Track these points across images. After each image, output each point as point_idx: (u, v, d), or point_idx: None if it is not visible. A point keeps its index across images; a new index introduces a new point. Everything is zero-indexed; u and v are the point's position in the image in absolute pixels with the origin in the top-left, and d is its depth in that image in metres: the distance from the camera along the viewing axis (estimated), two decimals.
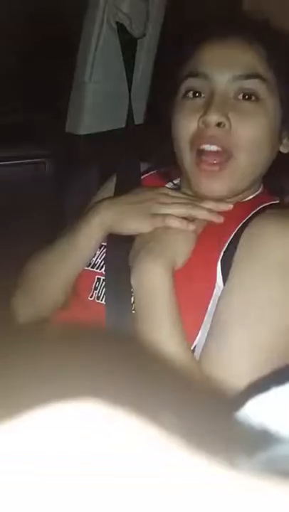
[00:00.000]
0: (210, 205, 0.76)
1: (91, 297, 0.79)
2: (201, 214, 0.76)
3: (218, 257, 0.73)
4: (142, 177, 0.91)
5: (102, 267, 0.80)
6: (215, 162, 0.74)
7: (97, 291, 0.79)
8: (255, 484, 0.16)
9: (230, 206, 0.77)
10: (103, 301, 0.77)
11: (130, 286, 0.74)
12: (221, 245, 0.74)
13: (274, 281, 0.69)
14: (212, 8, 1.23)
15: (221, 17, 0.87)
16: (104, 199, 0.81)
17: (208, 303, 0.72)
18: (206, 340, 0.70)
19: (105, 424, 0.17)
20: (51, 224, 1.19)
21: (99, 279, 0.80)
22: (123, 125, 1.08)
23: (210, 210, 0.76)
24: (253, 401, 0.26)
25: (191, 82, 0.78)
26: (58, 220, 1.19)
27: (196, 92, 0.77)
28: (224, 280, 0.72)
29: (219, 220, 0.76)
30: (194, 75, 0.78)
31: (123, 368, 0.53)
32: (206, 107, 0.74)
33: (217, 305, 0.71)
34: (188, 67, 0.80)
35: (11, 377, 0.50)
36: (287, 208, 0.80)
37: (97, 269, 0.80)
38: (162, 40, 1.26)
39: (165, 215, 0.74)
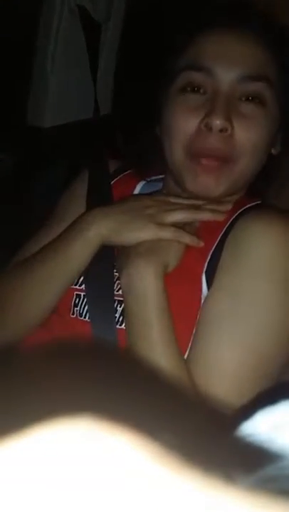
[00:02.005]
0: (212, 205, 0.75)
1: (73, 315, 0.76)
2: (206, 216, 0.75)
3: (203, 270, 0.72)
4: (117, 178, 0.89)
5: (80, 282, 0.78)
6: (214, 162, 0.72)
7: (78, 308, 0.76)
8: (253, 500, 0.16)
9: (230, 206, 0.76)
10: (87, 318, 0.75)
11: (114, 301, 0.74)
12: (205, 256, 0.73)
13: (260, 284, 0.69)
14: None
15: (227, 3, 0.80)
16: (95, 209, 0.77)
17: (197, 313, 0.71)
18: (191, 346, 0.70)
19: (103, 442, 0.17)
20: (14, 231, 1.15)
21: (78, 296, 0.77)
22: (90, 115, 1.06)
23: (212, 211, 0.75)
24: (261, 413, 0.25)
25: (190, 76, 0.73)
26: (22, 228, 1.16)
27: (196, 86, 0.73)
28: (209, 289, 0.71)
29: (223, 217, 0.75)
30: (195, 68, 0.73)
31: (120, 384, 0.53)
32: (210, 108, 0.71)
33: (202, 311, 0.70)
34: (188, 58, 0.75)
35: (7, 395, 0.49)
36: (269, 207, 0.80)
37: (75, 285, 0.78)
38: (127, 23, 1.24)
39: (176, 230, 0.72)
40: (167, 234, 0.72)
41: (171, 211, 0.74)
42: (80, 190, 0.88)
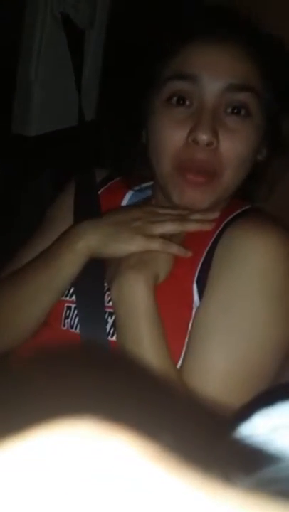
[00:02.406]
0: (198, 216, 0.76)
1: (64, 326, 0.77)
2: (193, 227, 0.75)
3: (193, 280, 0.72)
4: (105, 187, 0.89)
5: (70, 294, 0.78)
6: (200, 175, 0.73)
7: (69, 320, 0.77)
8: (252, 501, 0.17)
9: (217, 214, 0.77)
10: (78, 330, 0.75)
11: (105, 313, 0.74)
12: (195, 265, 0.73)
13: (251, 295, 0.69)
14: None
15: (213, 12, 0.81)
16: (83, 222, 0.77)
17: (188, 324, 0.71)
18: (184, 357, 0.69)
19: (103, 443, 0.17)
20: (1, 242, 1.14)
21: (69, 308, 0.77)
22: (76, 122, 1.06)
23: (200, 221, 0.75)
24: (259, 415, 0.25)
25: (176, 85, 0.73)
26: (6, 238, 1.15)
27: (182, 98, 0.73)
28: (200, 298, 0.72)
29: (210, 226, 0.75)
30: (181, 76, 0.73)
31: (119, 386, 0.53)
32: (196, 122, 0.71)
33: (193, 321, 0.70)
34: (173, 67, 0.74)
35: (7, 398, 0.49)
36: (258, 213, 0.80)
37: (66, 296, 0.78)
38: (111, 30, 1.24)
39: (164, 241, 0.73)
40: (155, 245, 0.72)
41: (158, 223, 0.74)
42: (67, 201, 0.88)
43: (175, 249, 0.73)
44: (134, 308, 0.70)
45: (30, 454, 0.17)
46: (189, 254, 0.73)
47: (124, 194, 0.88)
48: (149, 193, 0.87)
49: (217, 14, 0.80)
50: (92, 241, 0.74)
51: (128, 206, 0.84)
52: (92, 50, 1.24)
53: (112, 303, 0.72)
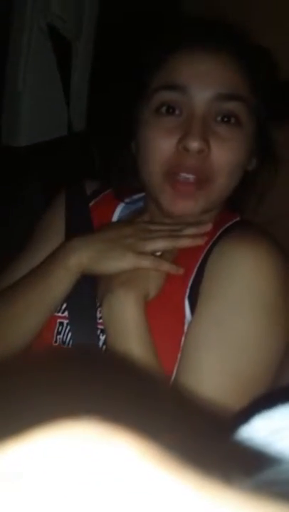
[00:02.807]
0: (191, 230, 0.76)
1: (56, 342, 0.77)
2: (185, 243, 0.75)
3: (185, 295, 0.73)
4: (96, 199, 0.89)
5: (63, 310, 0.78)
6: (191, 183, 0.73)
7: (61, 336, 0.77)
8: (251, 503, 0.17)
9: (210, 226, 0.77)
10: (70, 346, 0.75)
11: (97, 330, 0.74)
12: (186, 281, 0.73)
13: (242, 311, 0.69)
14: (149, 6, 1.24)
15: (200, 22, 0.82)
16: (75, 238, 0.77)
17: (181, 340, 0.71)
18: (177, 372, 0.69)
19: (103, 444, 0.17)
20: None
21: (61, 323, 0.77)
22: (64, 133, 1.06)
23: (191, 236, 0.75)
24: (260, 417, 0.25)
25: (165, 95, 0.74)
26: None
27: (171, 107, 0.73)
28: (192, 313, 0.72)
29: (203, 241, 0.75)
30: (170, 87, 0.73)
31: (120, 388, 0.53)
32: (186, 130, 0.71)
33: (185, 337, 0.70)
34: (162, 77, 0.75)
35: (8, 399, 0.49)
36: (247, 226, 0.80)
37: (58, 312, 0.78)
38: (99, 40, 1.25)
39: (156, 259, 0.73)
40: (146, 263, 0.72)
41: (150, 240, 0.74)
42: (57, 213, 0.88)
43: (167, 266, 0.73)
44: (124, 325, 0.70)
45: (30, 456, 0.17)
46: (181, 271, 0.73)
47: (116, 206, 0.88)
48: (140, 204, 0.87)
49: (205, 24, 0.81)
50: (84, 258, 0.74)
51: (120, 222, 0.83)
52: (79, 60, 1.25)
53: (103, 320, 0.72)
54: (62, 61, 1.17)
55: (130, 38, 0.96)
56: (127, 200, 0.87)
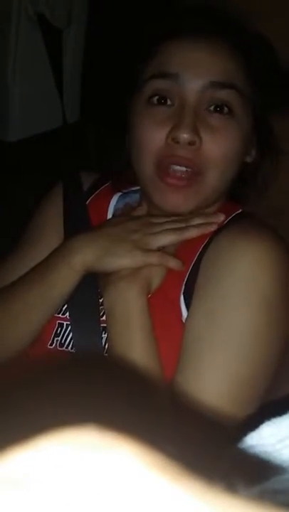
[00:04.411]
0: (198, 220, 0.75)
1: (51, 345, 0.76)
2: (193, 233, 0.74)
3: (180, 292, 0.73)
4: (95, 193, 0.89)
5: (64, 311, 0.77)
6: (183, 177, 0.73)
7: (59, 338, 0.76)
8: (254, 511, 0.17)
9: (222, 216, 0.76)
10: (69, 349, 0.75)
11: (100, 328, 0.74)
12: (182, 277, 0.73)
13: (237, 307, 0.69)
14: None
15: (192, 10, 0.82)
16: (78, 235, 0.76)
17: (180, 335, 0.71)
18: (177, 370, 0.70)
19: (106, 452, 0.18)
20: None
21: (61, 325, 0.77)
22: (58, 124, 1.06)
23: (199, 225, 0.75)
24: (267, 425, 0.25)
25: (157, 84, 0.73)
26: None
27: (163, 97, 0.73)
28: (188, 309, 0.72)
29: (213, 227, 0.75)
30: (162, 75, 0.73)
31: (122, 396, 0.53)
32: (177, 121, 0.71)
33: (184, 333, 0.71)
34: (154, 66, 0.75)
35: (10, 407, 0.50)
36: (247, 219, 0.80)
37: (58, 313, 0.77)
38: (90, 28, 1.24)
39: (162, 255, 0.72)
40: (154, 259, 0.72)
41: (156, 235, 0.74)
42: (53, 208, 0.88)
43: (173, 262, 0.73)
44: (127, 319, 0.70)
45: (34, 463, 0.17)
46: (183, 267, 0.73)
47: (111, 198, 0.88)
48: (136, 197, 0.87)
49: (198, 13, 0.80)
50: (88, 255, 0.73)
51: (122, 217, 0.83)
52: (71, 49, 1.24)
53: (105, 311, 0.73)
54: (53, 50, 1.16)
55: (122, 28, 0.95)
56: (122, 191, 0.87)
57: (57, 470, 0.17)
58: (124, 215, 0.84)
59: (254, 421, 0.27)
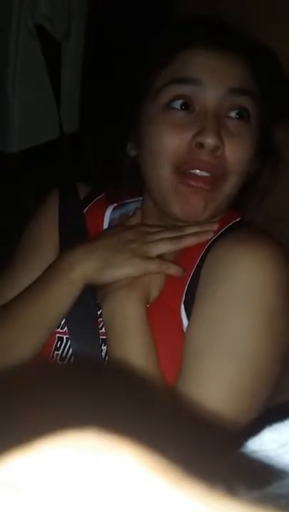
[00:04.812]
0: (194, 228, 0.76)
1: (52, 359, 0.76)
2: (190, 242, 0.75)
3: (181, 301, 0.73)
4: (90, 204, 0.89)
5: (62, 325, 0.76)
6: (206, 180, 0.73)
7: (59, 352, 0.75)
8: None
9: (217, 225, 0.77)
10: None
11: (99, 340, 0.73)
12: (182, 286, 0.73)
13: (237, 314, 0.69)
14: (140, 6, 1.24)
15: (204, 21, 0.84)
16: (76, 248, 0.75)
17: (181, 344, 0.71)
18: (179, 379, 0.69)
19: (108, 455, 0.18)
20: None
21: (61, 338, 0.76)
22: (57, 135, 1.07)
23: (195, 234, 0.75)
24: (269, 430, 0.25)
25: (177, 89, 0.74)
26: None
27: (184, 103, 0.74)
28: (188, 318, 0.72)
29: (209, 235, 0.75)
30: (182, 80, 0.74)
31: (123, 400, 0.53)
32: (201, 126, 0.72)
33: (184, 342, 0.71)
34: (172, 72, 0.76)
35: (12, 411, 0.50)
36: (246, 227, 0.80)
37: (57, 328, 0.77)
38: (89, 39, 1.26)
39: (162, 262, 0.73)
40: (154, 267, 0.72)
41: (155, 242, 0.74)
42: (47, 220, 0.87)
43: (174, 269, 0.73)
44: (126, 328, 0.70)
45: (34, 466, 0.17)
46: (184, 273, 0.73)
47: (105, 210, 0.88)
48: (132, 208, 0.87)
49: (210, 23, 0.82)
50: (87, 268, 0.73)
51: (118, 227, 0.83)
52: (70, 60, 1.26)
53: (104, 322, 0.72)
54: (52, 61, 1.17)
55: (123, 37, 0.96)
56: (117, 203, 0.88)
57: (57, 473, 0.17)
58: (120, 225, 0.84)
59: (255, 426, 0.27)
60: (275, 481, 0.22)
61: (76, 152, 1.02)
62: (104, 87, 0.96)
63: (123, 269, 0.72)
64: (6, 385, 0.63)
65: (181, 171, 0.73)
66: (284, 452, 0.26)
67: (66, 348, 0.76)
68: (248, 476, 0.21)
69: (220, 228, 0.78)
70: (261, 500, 0.18)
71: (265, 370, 0.69)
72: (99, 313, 0.75)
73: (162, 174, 0.74)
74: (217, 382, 0.67)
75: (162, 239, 0.75)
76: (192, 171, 0.73)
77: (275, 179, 0.83)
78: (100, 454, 0.18)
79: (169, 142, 0.73)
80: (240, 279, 0.69)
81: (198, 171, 0.72)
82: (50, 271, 0.76)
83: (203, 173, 0.73)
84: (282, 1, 0.93)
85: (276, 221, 0.83)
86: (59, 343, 0.76)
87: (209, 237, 0.75)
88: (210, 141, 0.71)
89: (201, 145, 0.71)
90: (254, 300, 0.69)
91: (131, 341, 0.70)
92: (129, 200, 0.89)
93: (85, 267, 0.73)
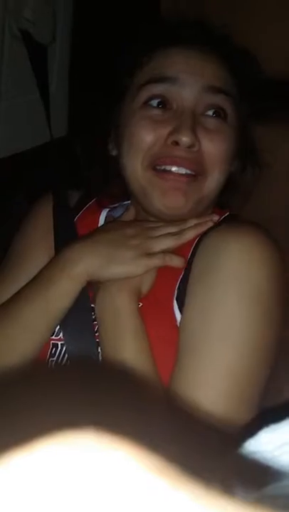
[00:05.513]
0: (194, 221, 0.77)
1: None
2: (192, 234, 0.76)
3: (173, 295, 0.74)
4: (84, 208, 0.90)
5: (57, 332, 0.76)
6: (183, 176, 0.75)
7: (54, 359, 0.75)
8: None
9: (216, 217, 0.78)
10: None
11: (96, 344, 0.73)
12: (174, 281, 0.74)
13: (229, 301, 0.70)
14: (127, 6, 1.25)
15: (183, 22, 0.86)
16: (76, 244, 0.75)
17: (176, 337, 0.72)
18: (175, 371, 0.70)
19: (106, 455, 0.18)
20: None
21: (55, 345, 0.76)
22: (47, 139, 1.07)
23: (196, 226, 0.76)
24: (266, 431, 0.26)
25: (154, 88, 0.76)
26: None
27: (161, 101, 0.76)
28: (181, 311, 0.73)
29: (209, 225, 0.77)
30: (160, 79, 0.76)
31: (120, 400, 0.54)
32: (177, 123, 0.74)
33: (179, 334, 0.71)
34: (150, 71, 0.78)
35: (10, 410, 0.50)
36: (234, 219, 0.81)
37: (52, 334, 0.77)
38: (75, 43, 1.26)
39: (165, 255, 0.73)
40: (158, 261, 0.73)
41: (157, 239, 0.75)
42: (39, 227, 0.88)
43: (176, 260, 0.74)
44: (120, 321, 0.70)
45: (32, 467, 0.17)
46: (185, 263, 0.74)
47: (99, 215, 0.88)
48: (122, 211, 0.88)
49: (189, 24, 0.84)
50: (91, 265, 0.72)
51: (114, 222, 0.84)
52: (57, 64, 1.26)
53: (97, 318, 0.73)
54: (38, 66, 1.18)
55: (108, 38, 0.97)
56: (109, 207, 0.88)
57: (56, 473, 0.17)
58: (114, 221, 0.85)
59: (252, 427, 0.28)
60: (272, 483, 0.22)
61: (66, 156, 1.02)
62: (87, 87, 0.97)
63: (128, 267, 0.72)
64: (5, 386, 0.63)
65: (158, 167, 0.74)
66: (280, 453, 0.26)
67: (61, 355, 0.76)
68: (245, 477, 0.21)
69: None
70: (257, 502, 0.19)
71: (261, 355, 0.69)
72: (93, 316, 0.76)
73: (139, 169, 0.76)
74: (214, 370, 0.67)
75: (164, 234, 0.75)
76: (169, 168, 0.74)
77: (259, 181, 0.84)
78: (98, 453, 0.18)
79: (144, 137, 0.75)
80: (230, 265, 0.70)
81: (175, 167, 0.74)
82: (52, 267, 0.75)
83: (181, 170, 0.74)
84: (264, 3, 0.95)
85: (265, 220, 0.85)
86: (54, 349, 0.76)
87: (210, 226, 0.76)
88: (185, 139, 0.73)
89: (177, 143, 0.73)
90: (245, 285, 0.69)
91: (124, 336, 0.70)
92: (121, 203, 0.89)
93: (87, 264, 0.72)
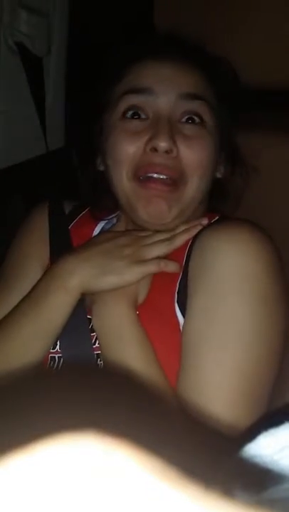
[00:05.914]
0: (184, 226, 0.78)
1: None
2: (183, 239, 0.77)
3: (174, 300, 0.74)
4: (75, 221, 0.90)
5: (54, 345, 0.76)
6: (164, 183, 0.76)
7: None
8: None
9: (206, 220, 0.79)
10: None
11: (94, 355, 0.73)
12: (173, 285, 0.74)
13: (230, 300, 0.70)
14: (122, 19, 1.27)
15: (158, 36, 0.92)
16: (70, 256, 0.76)
17: (179, 342, 0.72)
18: (180, 375, 0.70)
19: (106, 457, 0.18)
20: None
21: (53, 358, 0.76)
22: (43, 151, 1.08)
23: (186, 230, 0.78)
24: (266, 435, 0.26)
25: (130, 99, 0.79)
26: None
27: (137, 112, 0.78)
28: (184, 315, 0.73)
29: (199, 227, 0.78)
30: (135, 90, 0.79)
31: (122, 402, 0.54)
32: (154, 131, 0.76)
33: (182, 338, 0.71)
34: (127, 83, 0.81)
35: (10, 413, 0.50)
36: (227, 219, 0.82)
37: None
38: (71, 55, 1.28)
39: (159, 261, 0.74)
40: (153, 268, 0.74)
41: (149, 246, 0.76)
42: (35, 236, 0.88)
43: (171, 266, 0.74)
44: (121, 330, 0.71)
45: (32, 468, 0.17)
46: (179, 268, 0.75)
47: (95, 227, 0.89)
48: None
49: (168, 36, 0.88)
50: (85, 276, 0.72)
51: (107, 233, 0.85)
52: (52, 76, 1.27)
53: (96, 330, 0.73)
54: (34, 78, 1.19)
55: (100, 50, 0.99)
56: (103, 219, 0.89)
57: (56, 474, 0.17)
58: (107, 232, 0.86)
59: (252, 432, 0.28)
60: (271, 486, 0.23)
61: (62, 168, 1.03)
62: (78, 99, 0.99)
63: (122, 276, 0.73)
64: (5, 388, 0.63)
65: (140, 176, 0.76)
66: (280, 457, 0.26)
67: (59, 368, 0.76)
68: (245, 481, 0.21)
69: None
70: (257, 505, 0.19)
71: (265, 351, 0.69)
72: (90, 326, 0.76)
73: (123, 181, 0.78)
74: (219, 371, 0.67)
75: (157, 241, 0.76)
76: (149, 175, 0.75)
77: (246, 187, 0.85)
78: (98, 455, 0.18)
79: (125, 149, 0.77)
80: (227, 264, 0.70)
81: (155, 174, 0.75)
82: (48, 280, 0.75)
83: (161, 176, 0.75)
84: (241, 13, 0.97)
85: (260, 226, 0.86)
86: (52, 362, 0.76)
87: (200, 228, 0.77)
88: (162, 144, 0.74)
89: (155, 149, 0.74)
90: (245, 283, 0.70)
91: (129, 348, 0.70)
92: (115, 215, 0.90)
93: (82, 276, 0.73)
